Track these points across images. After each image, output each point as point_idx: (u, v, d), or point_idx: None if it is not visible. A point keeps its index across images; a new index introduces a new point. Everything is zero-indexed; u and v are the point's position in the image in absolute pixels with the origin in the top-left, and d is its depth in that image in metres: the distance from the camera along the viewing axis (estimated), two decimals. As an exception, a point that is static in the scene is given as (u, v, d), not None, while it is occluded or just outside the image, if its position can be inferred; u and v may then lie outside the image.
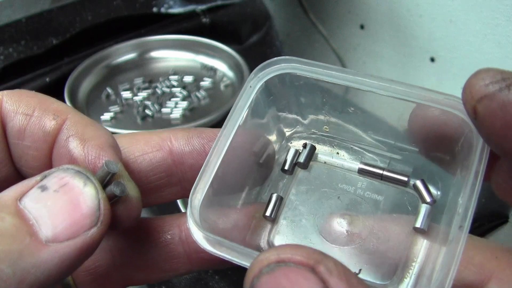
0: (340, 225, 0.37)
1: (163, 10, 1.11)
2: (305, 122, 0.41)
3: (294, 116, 0.41)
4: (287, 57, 0.37)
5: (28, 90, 0.35)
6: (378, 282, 0.35)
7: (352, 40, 1.25)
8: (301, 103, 0.40)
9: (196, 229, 0.32)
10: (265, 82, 0.37)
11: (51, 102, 0.34)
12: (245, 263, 0.30)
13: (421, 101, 0.33)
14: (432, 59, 1.08)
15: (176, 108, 0.96)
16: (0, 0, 1.06)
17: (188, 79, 1.03)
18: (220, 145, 0.35)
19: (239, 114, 0.36)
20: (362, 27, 1.21)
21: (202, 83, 1.02)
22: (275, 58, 0.37)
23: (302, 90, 0.38)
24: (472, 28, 0.96)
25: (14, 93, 0.34)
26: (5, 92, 0.34)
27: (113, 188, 0.31)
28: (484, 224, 0.77)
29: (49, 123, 0.33)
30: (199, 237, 0.32)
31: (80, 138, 0.33)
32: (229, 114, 0.36)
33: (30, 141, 0.33)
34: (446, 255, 0.29)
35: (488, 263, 0.34)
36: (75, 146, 0.32)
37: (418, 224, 0.35)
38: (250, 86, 0.37)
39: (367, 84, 0.34)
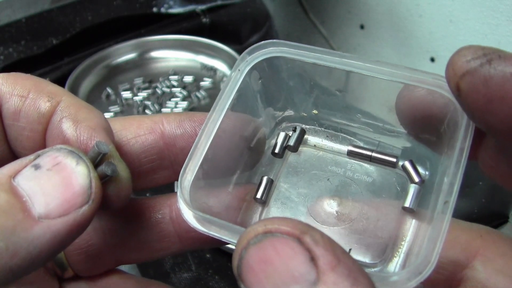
0: (330, 206, 0.37)
1: (163, 10, 1.11)
2: (294, 105, 0.41)
3: (284, 99, 0.41)
4: (275, 40, 0.37)
5: (23, 73, 0.36)
6: (368, 261, 0.35)
7: (352, 40, 1.25)
8: (290, 86, 0.40)
9: (186, 208, 0.33)
10: (253, 65, 0.37)
11: (46, 84, 0.35)
12: (235, 240, 0.30)
13: (408, 81, 0.33)
14: (432, 59, 1.08)
15: (176, 108, 0.96)
16: (0, 0, 1.06)
17: (188, 79, 1.03)
18: (209, 128, 0.35)
19: (228, 97, 0.36)
20: (362, 27, 1.21)
21: (202, 83, 1.02)
22: (263, 42, 0.37)
23: (291, 74, 0.38)
24: (472, 28, 0.97)
25: (10, 76, 0.35)
26: (0, 74, 0.35)
27: (104, 168, 0.31)
28: (484, 224, 0.77)
29: (44, 105, 0.34)
30: (189, 216, 0.32)
31: (73, 119, 0.33)
32: (217, 98, 0.36)
33: (25, 122, 0.34)
34: (432, 231, 0.29)
35: (474, 242, 0.34)
36: (68, 127, 0.33)
37: (407, 204, 0.35)
38: (239, 70, 0.37)
39: (354, 66, 0.35)
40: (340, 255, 0.25)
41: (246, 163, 0.39)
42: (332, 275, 0.24)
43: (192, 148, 0.35)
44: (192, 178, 0.34)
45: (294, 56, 0.36)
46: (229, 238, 0.31)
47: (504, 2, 0.89)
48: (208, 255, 0.75)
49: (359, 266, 0.25)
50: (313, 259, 0.24)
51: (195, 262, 0.74)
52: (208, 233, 0.32)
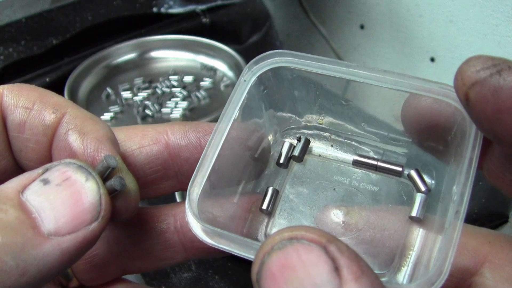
0: (336, 216, 0.37)
1: (163, 10, 1.11)
2: (299, 115, 0.41)
3: (288, 109, 0.41)
4: (281, 50, 0.37)
5: (28, 84, 0.36)
6: (376, 271, 0.34)
7: (352, 40, 1.25)
8: (294, 96, 0.40)
9: (195, 221, 0.32)
10: (259, 76, 0.37)
11: (51, 96, 0.35)
12: (245, 254, 0.30)
13: (414, 90, 0.33)
14: (432, 59, 1.08)
15: (176, 108, 0.96)
16: (0, 0, 1.06)
17: (188, 79, 1.03)
18: (216, 139, 0.35)
19: (234, 108, 0.36)
20: (362, 27, 1.21)
21: (202, 83, 1.02)
22: (269, 52, 0.37)
23: (296, 84, 0.38)
24: (472, 28, 0.97)
25: (14, 87, 0.35)
26: (5, 86, 0.35)
27: (113, 183, 0.31)
28: (484, 224, 0.77)
29: (49, 117, 0.34)
30: (198, 229, 0.32)
31: (79, 131, 0.33)
32: (224, 109, 0.36)
33: (30, 134, 0.34)
34: (443, 241, 0.29)
35: (482, 248, 0.34)
36: (74, 140, 0.33)
37: (413, 213, 0.35)
38: (244, 80, 0.37)
39: (360, 75, 0.35)
40: (364, 267, 0.25)
41: (251, 173, 0.39)
42: (355, 285, 0.24)
43: (200, 159, 0.34)
44: (200, 190, 0.33)
45: (299, 66, 0.36)
46: (239, 251, 0.31)
47: (504, 2, 0.89)
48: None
49: (381, 281, 0.25)
50: (337, 269, 0.24)
51: (195, 262, 0.74)
52: (218, 246, 0.31)
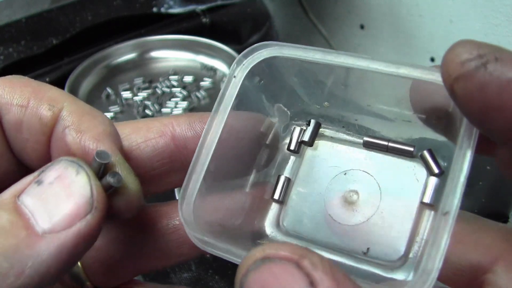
0: (347, 202, 0.37)
1: (163, 10, 1.11)
2: (304, 99, 0.40)
3: (290, 95, 0.40)
4: (268, 42, 0.36)
5: (20, 76, 0.35)
6: (387, 258, 0.34)
7: (352, 40, 1.25)
8: (294, 82, 0.39)
9: (189, 230, 0.32)
10: (251, 69, 0.36)
11: (46, 90, 0.34)
12: (239, 260, 0.30)
13: (416, 76, 0.32)
14: (432, 59, 1.08)
15: (176, 108, 0.96)
16: (0, 0, 1.06)
17: (188, 79, 1.03)
18: (209, 140, 0.34)
19: (227, 106, 0.35)
20: (362, 27, 1.21)
21: (202, 83, 1.02)
22: (257, 44, 0.36)
23: (293, 71, 0.38)
24: (472, 28, 0.97)
25: (6, 82, 0.33)
26: None
27: (108, 178, 0.30)
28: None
29: (46, 114, 0.33)
30: (193, 238, 0.32)
31: (76, 129, 0.32)
32: (215, 105, 0.35)
33: (28, 134, 0.33)
34: (431, 245, 0.28)
35: (497, 245, 0.33)
36: (71, 140, 0.32)
37: (426, 199, 0.34)
38: (234, 76, 0.36)
39: (352, 64, 0.34)
40: (340, 279, 0.24)
41: (260, 162, 0.39)
42: None
43: (191, 163, 0.34)
44: (195, 195, 0.33)
45: (290, 55, 0.35)
46: (234, 257, 0.31)
47: (504, 2, 0.89)
48: (208, 255, 0.75)
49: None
50: (312, 284, 0.24)
51: (195, 262, 0.74)
52: (216, 253, 0.31)
